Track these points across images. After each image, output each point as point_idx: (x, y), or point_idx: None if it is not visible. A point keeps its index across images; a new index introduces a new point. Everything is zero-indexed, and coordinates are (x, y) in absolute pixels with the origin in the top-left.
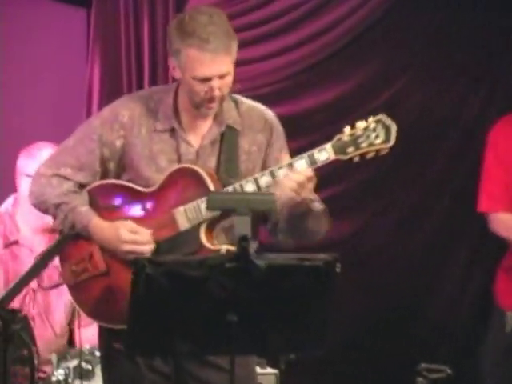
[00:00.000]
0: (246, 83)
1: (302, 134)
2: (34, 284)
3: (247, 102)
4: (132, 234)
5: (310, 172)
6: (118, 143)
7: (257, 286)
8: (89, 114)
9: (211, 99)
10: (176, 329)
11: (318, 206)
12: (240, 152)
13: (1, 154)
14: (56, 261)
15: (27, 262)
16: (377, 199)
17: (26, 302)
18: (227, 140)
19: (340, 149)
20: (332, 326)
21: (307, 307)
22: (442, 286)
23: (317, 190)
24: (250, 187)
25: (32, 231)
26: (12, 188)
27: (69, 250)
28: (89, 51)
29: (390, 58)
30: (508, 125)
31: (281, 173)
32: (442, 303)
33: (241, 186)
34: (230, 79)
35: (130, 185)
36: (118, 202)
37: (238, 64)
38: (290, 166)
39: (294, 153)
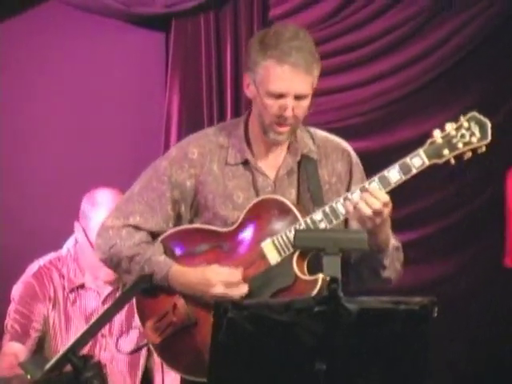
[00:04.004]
0: (335, 113)
1: None
2: (104, 330)
3: (321, 133)
4: (221, 275)
5: (385, 197)
6: (189, 183)
7: (347, 331)
8: (167, 146)
9: (282, 120)
10: (260, 377)
11: (393, 242)
12: (321, 182)
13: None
14: (136, 323)
15: (94, 306)
16: (475, 240)
17: (96, 350)
18: (305, 170)
19: (434, 152)
20: (429, 377)
21: (401, 355)
22: None
23: (413, 227)
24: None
25: (97, 273)
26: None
27: (149, 307)
28: (167, 78)
29: (496, 82)
30: None
31: (372, 186)
32: None
33: (331, 207)
34: (305, 104)
35: (207, 227)
36: (196, 247)
37: (326, 92)
38: (383, 177)
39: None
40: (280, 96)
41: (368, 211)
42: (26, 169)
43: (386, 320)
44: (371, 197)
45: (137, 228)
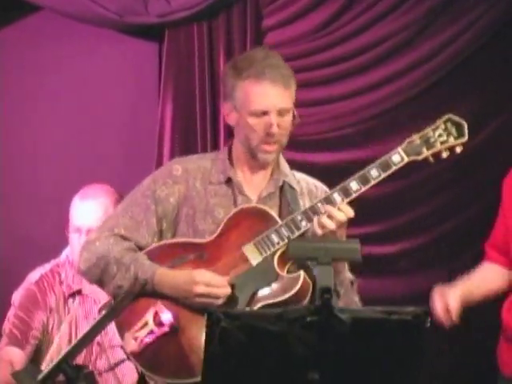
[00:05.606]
0: (331, 123)
1: (389, 179)
2: (99, 339)
3: (299, 173)
4: (206, 276)
5: (350, 212)
6: (172, 200)
7: (340, 341)
8: (160, 157)
9: (269, 137)
10: None
11: (349, 275)
12: (302, 208)
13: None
14: (115, 341)
15: (91, 312)
16: (469, 250)
17: (92, 359)
18: (287, 195)
19: (412, 150)
20: None
21: (395, 365)
22: None
23: (406, 237)
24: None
25: None
26: None
27: (128, 317)
28: (160, 88)
29: (490, 92)
30: None
31: (353, 185)
32: None
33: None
34: (288, 120)
35: (187, 240)
36: (177, 259)
37: (321, 102)
38: (363, 176)
39: (381, 197)
40: (263, 114)
41: (332, 225)
42: (25, 175)
43: (378, 330)
44: (336, 211)
45: (123, 238)
